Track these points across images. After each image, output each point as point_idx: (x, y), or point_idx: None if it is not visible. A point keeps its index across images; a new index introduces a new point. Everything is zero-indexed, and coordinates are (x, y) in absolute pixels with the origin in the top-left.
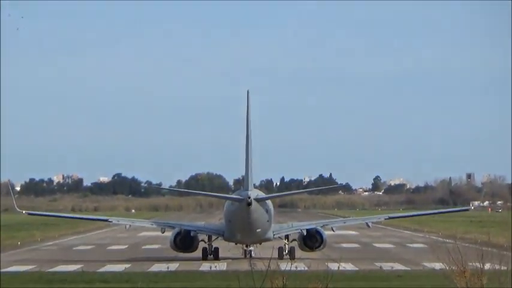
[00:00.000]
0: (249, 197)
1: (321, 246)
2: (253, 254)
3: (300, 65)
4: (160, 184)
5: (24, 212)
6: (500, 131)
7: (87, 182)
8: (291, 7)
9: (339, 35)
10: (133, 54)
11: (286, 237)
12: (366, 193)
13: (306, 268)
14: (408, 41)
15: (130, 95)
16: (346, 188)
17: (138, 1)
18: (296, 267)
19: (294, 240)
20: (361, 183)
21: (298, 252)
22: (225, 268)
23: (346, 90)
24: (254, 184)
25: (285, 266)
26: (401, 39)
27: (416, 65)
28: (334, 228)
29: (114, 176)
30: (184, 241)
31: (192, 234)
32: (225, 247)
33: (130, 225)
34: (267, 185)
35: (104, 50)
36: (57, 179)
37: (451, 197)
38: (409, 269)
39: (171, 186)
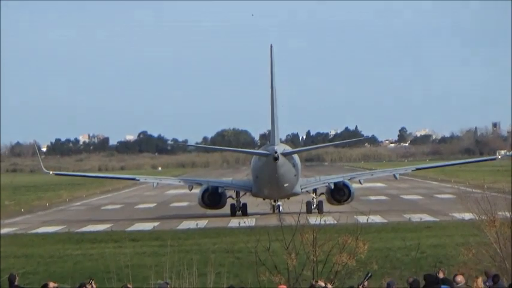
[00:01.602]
0: (276, 152)
1: (349, 199)
2: (281, 209)
3: (329, 17)
4: (186, 141)
5: (51, 172)
6: None
7: (113, 141)
8: None
9: None
10: (154, 18)
11: (314, 191)
12: (392, 145)
13: (335, 221)
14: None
15: (155, 56)
16: (372, 140)
17: None
18: (325, 221)
19: (322, 194)
20: (386, 135)
21: (327, 206)
22: (253, 224)
23: (370, 42)
24: (280, 139)
25: (313, 220)
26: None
27: (443, 16)
28: (361, 181)
29: (139, 135)
30: (213, 198)
31: (219, 191)
32: (253, 202)
33: (157, 183)
34: (293, 140)
35: (129, 16)
36: (83, 138)
37: (477, 146)
38: (437, 219)
39: (197, 143)
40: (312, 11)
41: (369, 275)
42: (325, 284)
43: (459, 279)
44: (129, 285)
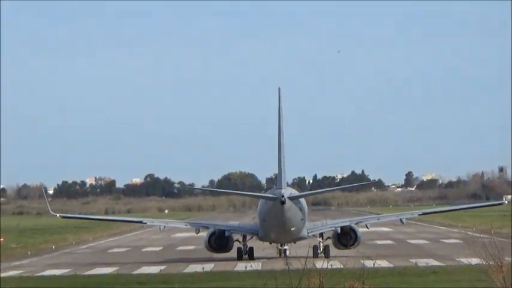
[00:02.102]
0: (283, 195)
1: (356, 244)
2: (288, 253)
3: (331, 62)
4: (192, 184)
5: (58, 215)
6: None
7: (119, 184)
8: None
9: (367, 33)
10: (157, 57)
11: (321, 235)
12: (399, 189)
13: (342, 266)
14: (429, 36)
15: (158, 96)
16: (379, 184)
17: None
18: (331, 265)
19: (329, 238)
20: (393, 179)
21: (333, 250)
22: (260, 268)
23: (376, 86)
24: (287, 182)
25: (320, 264)
26: (428, 39)
27: (449, 60)
28: (368, 225)
29: (146, 177)
30: (219, 241)
31: (226, 234)
32: (259, 246)
33: (164, 226)
34: (299, 183)
35: (133, 51)
36: (89, 181)
37: (483, 191)
38: (444, 264)
39: (203, 186)
40: (321, 57)
41: None
42: None
43: None
44: None
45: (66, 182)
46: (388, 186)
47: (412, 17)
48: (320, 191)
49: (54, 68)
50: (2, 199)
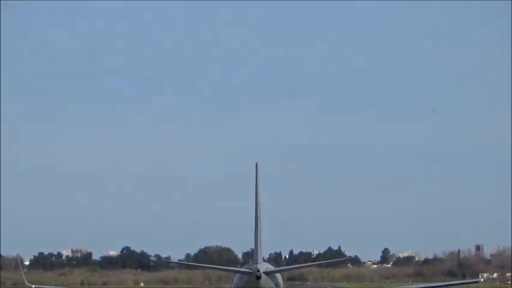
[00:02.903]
0: (258, 270)
1: None
2: None
3: (303, 139)
4: (169, 258)
5: (33, 286)
6: (509, 203)
7: (96, 256)
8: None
9: (342, 108)
10: (138, 129)
11: None
12: (375, 266)
13: None
14: (403, 116)
15: (137, 170)
16: (355, 260)
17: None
18: None
19: None
20: (369, 255)
21: None
22: None
23: (352, 162)
24: (263, 257)
25: None
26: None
27: (419, 136)
28: None
29: (122, 250)
30: None
31: None
32: None
33: None
34: (275, 258)
35: (109, 126)
36: (66, 253)
37: (460, 269)
38: None
39: (180, 260)
40: (295, 134)
41: None
42: None
43: None
44: None
45: (43, 253)
46: (364, 262)
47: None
48: (296, 266)
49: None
50: None
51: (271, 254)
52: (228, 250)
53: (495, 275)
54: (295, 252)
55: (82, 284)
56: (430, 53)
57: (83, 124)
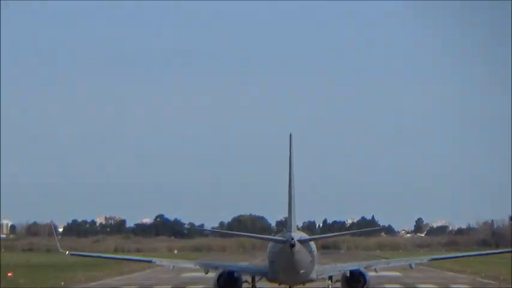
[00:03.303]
0: (292, 238)
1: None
2: None
3: (337, 106)
4: (202, 225)
5: (67, 252)
6: None
7: (129, 224)
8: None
9: (372, 73)
10: (174, 94)
11: (330, 278)
12: (408, 235)
13: None
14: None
15: (173, 136)
16: (389, 230)
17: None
18: None
19: (338, 281)
20: (403, 225)
21: None
22: None
23: (385, 129)
24: (297, 226)
25: None
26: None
27: (456, 100)
28: (377, 270)
29: (156, 218)
30: (228, 282)
31: (235, 275)
32: None
33: (174, 266)
34: (309, 227)
35: (147, 88)
36: (99, 220)
37: (493, 238)
38: None
39: (213, 228)
40: (328, 97)
41: None
42: None
43: None
44: None
45: (76, 220)
46: (398, 231)
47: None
48: (330, 235)
49: (57, 107)
50: (11, 236)
51: (304, 222)
52: (262, 218)
53: None
54: (329, 221)
55: (116, 250)
56: None
57: (122, 89)
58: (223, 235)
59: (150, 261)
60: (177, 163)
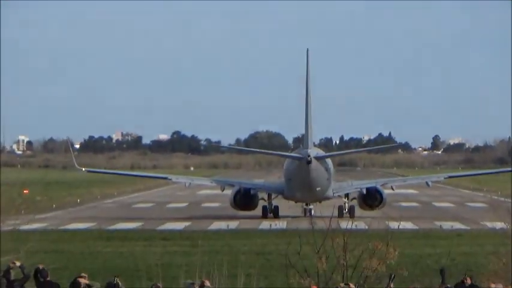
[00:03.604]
0: (309, 155)
1: (381, 205)
2: (313, 212)
3: (358, 24)
4: (219, 142)
5: (83, 169)
6: None
7: (146, 140)
8: None
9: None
10: (190, 15)
11: (346, 195)
12: (425, 152)
13: (366, 227)
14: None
15: (189, 54)
16: (405, 147)
17: None
18: (356, 225)
19: (354, 198)
20: (420, 142)
21: (358, 211)
22: (285, 226)
23: (405, 47)
24: (313, 143)
25: (345, 224)
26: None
27: (479, 23)
28: (393, 187)
29: (173, 134)
30: (244, 199)
31: (252, 193)
32: (284, 205)
33: (190, 183)
34: (326, 144)
35: (164, 10)
36: (116, 136)
37: (510, 156)
38: (469, 228)
39: (230, 144)
40: (349, 12)
41: (393, 276)
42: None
43: (493, 287)
44: (158, 285)
45: (93, 137)
46: (414, 148)
47: None
48: (346, 151)
49: (73, 19)
50: (28, 152)
51: (321, 139)
52: (278, 135)
53: None
54: (346, 138)
55: (132, 167)
56: None
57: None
58: (239, 152)
59: (166, 178)
60: (195, 80)
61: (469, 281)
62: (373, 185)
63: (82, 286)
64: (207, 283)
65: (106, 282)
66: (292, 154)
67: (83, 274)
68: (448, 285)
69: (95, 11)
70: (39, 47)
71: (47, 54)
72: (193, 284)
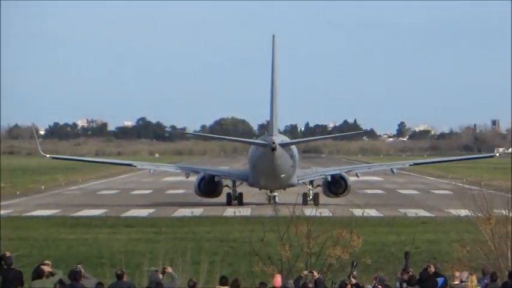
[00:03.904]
0: (274, 142)
1: (345, 192)
2: (277, 200)
3: (327, 11)
4: (184, 129)
5: (48, 155)
6: None
7: (111, 127)
8: None
9: None
10: (151, 4)
11: (311, 182)
12: (391, 139)
13: (331, 214)
14: None
15: (154, 42)
16: (371, 133)
17: None
18: (320, 213)
19: (319, 185)
20: (385, 129)
21: (323, 198)
22: (249, 214)
23: (373, 36)
24: (278, 129)
25: (309, 211)
26: None
27: (445, 13)
28: (358, 174)
29: (138, 121)
30: (209, 186)
31: (216, 179)
32: (249, 192)
33: (154, 170)
34: (291, 131)
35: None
36: (81, 123)
37: (475, 143)
38: (433, 215)
39: (195, 131)
40: (315, 4)
41: (355, 264)
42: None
43: (458, 275)
44: (119, 272)
45: (58, 123)
46: (380, 135)
47: None
48: (311, 138)
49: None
50: None
51: (286, 126)
52: (243, 122)
53: (510, 149)
54: (311, 124)
55: (97, 154)
56: None
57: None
58: (204, 138)
59: (130, 165)
60: (161, 67)
61: (432, 269)
62: (337, 172)
63: (45, 273)
64: (169, 269)
65: (69, 270)
66: (257, 141)
67: (46, 261)
68: (411, 270)
69: None
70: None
71: (13, 39)
72: (157, 271)
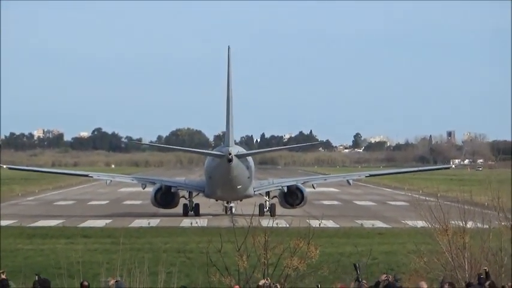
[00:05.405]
0: (230, 153)
1: (302, 203)
2: (233, 211)
3: (281, 23)
4: (140, 139)
5: (4, 166)
6: (481, 90)
7: (67, 137)
8: None
9: None
10: (108, 14)
11: (267, 193)
12: (346, 150)
13: (287, 225)
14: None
15: (111, 52)
16: (327, 145)
17: None
18: (277, 223)
19: (275, 197)
20: (341, 140)
21: (279, 209)
22: (205, 224)
23: (328, 47)
24: (234, 140)
25: (266, 222)
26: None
27: (401, 23)
28: (314, 185)
29: (94, 131)
30: (165, 197)
31: (172, 190)
32: (205, 203)
33: (111, 181)
34: (247, 142)
35: (83, 10)
36: (37, 133)
37: (431, 155)
38: (390, 226)
39: (151, 142)
40: (267, 14)
41: (358, 265)
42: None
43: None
44: (85, 283)
45: (14, 133)
46: (335, 146)
47: None
48: (267, 150)
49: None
50: None
51: (242, 137)
52: (199, 132)
53: (466, 161)
54: (267, 135)
55: (53, 164)
56: None
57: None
58: (160, 149)
59: (87, 176)
60: (116, 77)
61: (389, 278)
62: (294, 183)
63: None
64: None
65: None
66: (213, 152)
67: (1, 270)
68: (361, 279)
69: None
70: None
71: None
72: (117, 281)
